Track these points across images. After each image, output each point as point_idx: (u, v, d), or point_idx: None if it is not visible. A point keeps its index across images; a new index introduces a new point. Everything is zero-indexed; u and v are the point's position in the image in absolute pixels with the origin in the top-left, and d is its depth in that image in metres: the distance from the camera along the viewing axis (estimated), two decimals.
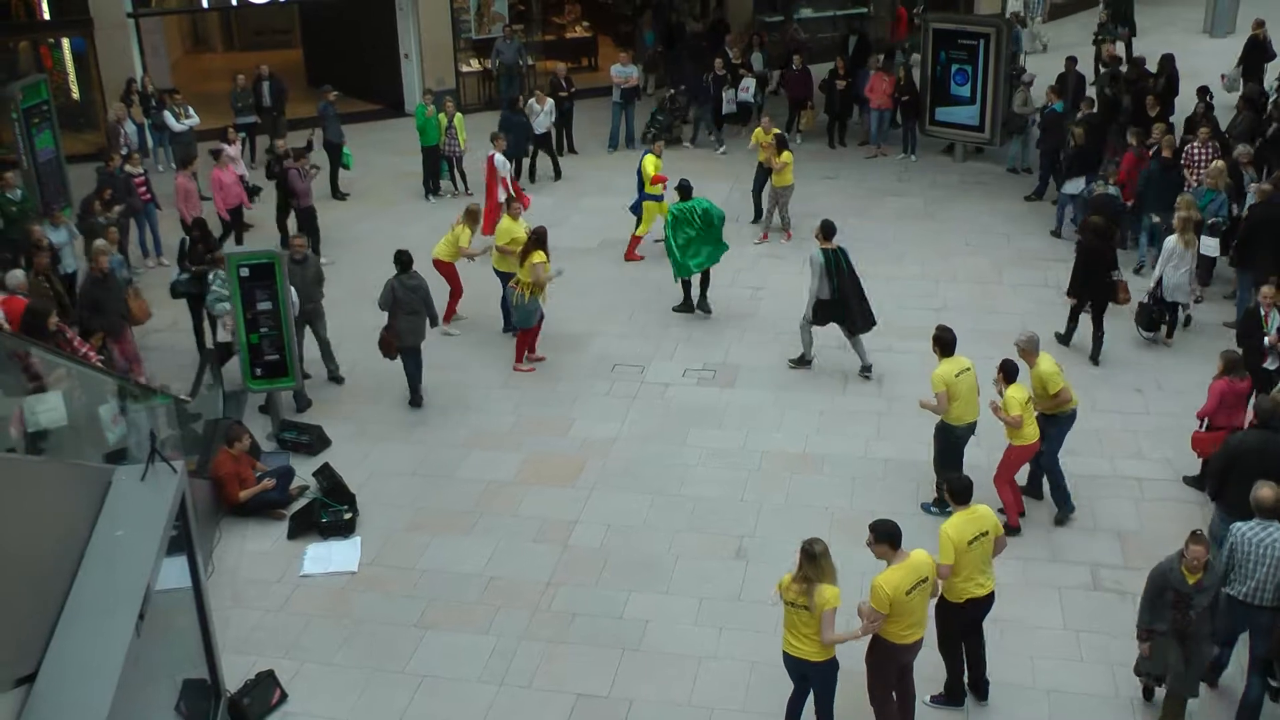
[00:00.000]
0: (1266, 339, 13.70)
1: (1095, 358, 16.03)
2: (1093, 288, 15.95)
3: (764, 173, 20.23)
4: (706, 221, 16.91)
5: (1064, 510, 12.91)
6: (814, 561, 9.22)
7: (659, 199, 18.93)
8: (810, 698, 9.83)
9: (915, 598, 9.52)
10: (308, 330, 15.62)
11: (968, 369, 12.63)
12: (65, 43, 24.39)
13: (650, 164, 18.90)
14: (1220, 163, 17.62)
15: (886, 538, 9.47)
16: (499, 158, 19.78)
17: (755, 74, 25.06)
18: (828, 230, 15.43)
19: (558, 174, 23.13)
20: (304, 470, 13.75)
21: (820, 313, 15.55)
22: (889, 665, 9.84)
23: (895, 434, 14.07)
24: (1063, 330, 16.44)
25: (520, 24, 26.93)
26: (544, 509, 13.29)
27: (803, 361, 15.97)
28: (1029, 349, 12.74)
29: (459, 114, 21.79)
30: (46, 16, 23.70)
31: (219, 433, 13.58)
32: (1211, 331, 16.55)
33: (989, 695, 10.59)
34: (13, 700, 6.94)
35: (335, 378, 15.87)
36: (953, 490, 10.24)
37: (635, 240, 19.51)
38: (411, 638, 11.42)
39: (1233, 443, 11.90)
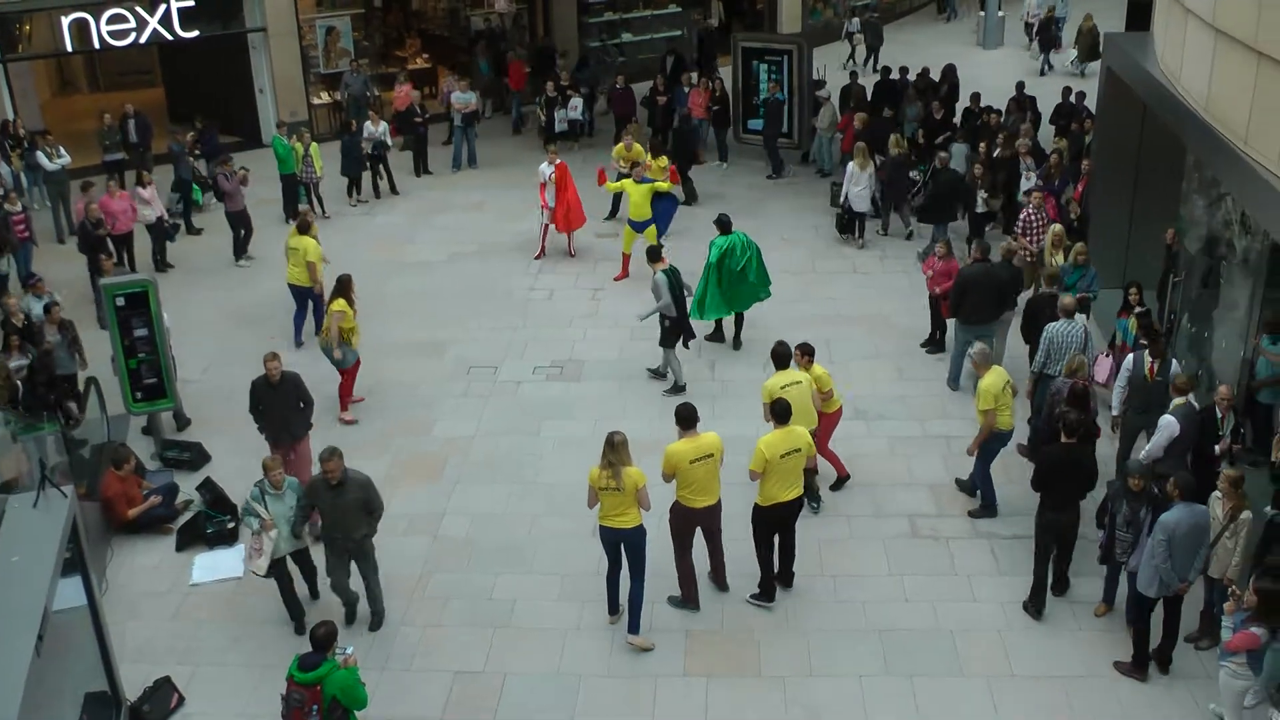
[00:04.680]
0: (1217, 447, 11.68)
1: (690, 202, 20.97)
2: (684, 157, 21.05)
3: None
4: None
5: (981, 509, 12.64)
6: (615, 449, 10.46)
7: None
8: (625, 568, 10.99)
9: (699, 469, 10.79)
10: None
11: (798, 382, 12.12)
12: None
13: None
14: (1058, 227, 16.01)
15: (678, 419, 10.87)
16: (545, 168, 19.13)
17: (582, 94, 25.07)
18: (653, 254, 15.28)
19: (393, 188, 22.90)
20: (187, 485, 13.48)
21: (670, 333, 15.05)
22: (685, 526, 11.11)
23: (730, 413, 14.24)
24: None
25: (365, 58, 26.56)
26: (413, 504, 13.20)
27: (676, 388, 15.17)
28: (979, 361, 12.38)
29: (314, 143, 21.43)
30: None
31: (105, 456, 13.20)
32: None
33: (793, 584, 11.60)
34: None
35: (376, 612, 11.46)
36: (774, 412, 11.03)
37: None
38: (297, 635, 11.23)
39: (960, 274, 14.76)
